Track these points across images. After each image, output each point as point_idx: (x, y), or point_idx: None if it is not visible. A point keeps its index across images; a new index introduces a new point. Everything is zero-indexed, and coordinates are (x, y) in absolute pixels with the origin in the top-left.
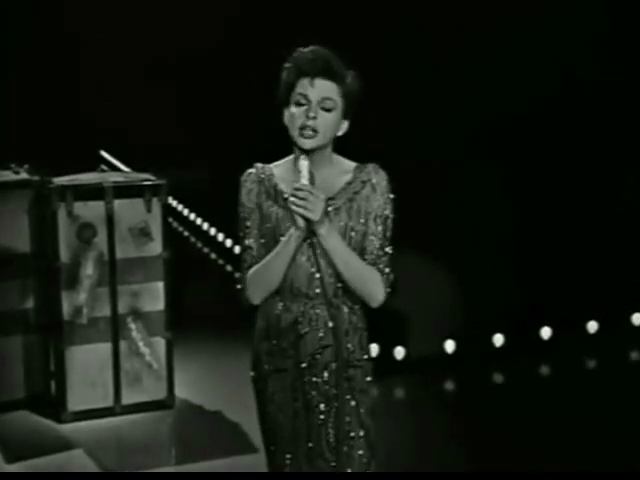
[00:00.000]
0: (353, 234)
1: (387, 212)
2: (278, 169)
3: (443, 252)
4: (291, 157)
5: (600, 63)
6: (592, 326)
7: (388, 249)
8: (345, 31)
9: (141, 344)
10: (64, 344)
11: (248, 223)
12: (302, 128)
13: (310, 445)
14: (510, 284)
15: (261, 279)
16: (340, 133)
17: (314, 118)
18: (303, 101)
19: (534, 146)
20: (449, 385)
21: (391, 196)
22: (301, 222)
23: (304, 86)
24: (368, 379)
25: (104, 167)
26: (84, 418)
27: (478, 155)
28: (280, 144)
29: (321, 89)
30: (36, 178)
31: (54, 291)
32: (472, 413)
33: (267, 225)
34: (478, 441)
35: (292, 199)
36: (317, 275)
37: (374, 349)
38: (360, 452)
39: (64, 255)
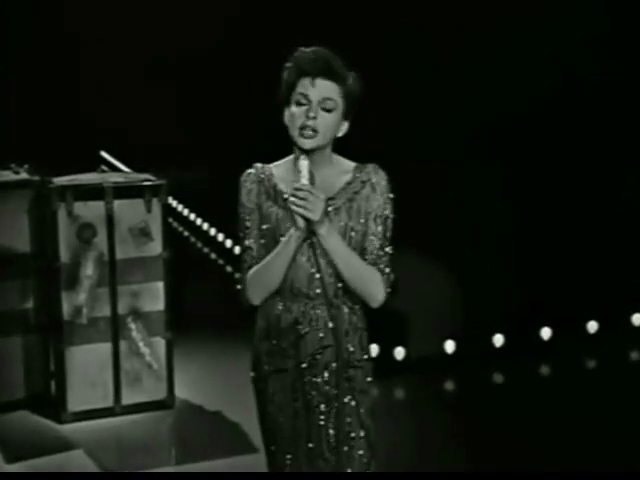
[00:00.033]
0: (353, 234)
1: (387, 212)
2: (278, 169)
3: (443, 252)
4: (291, 157)
5: (600, 63)
6: (592, 326)
7: (388, 249)
8: (345, 31)
9: (141, 344)
10: (64, 344)
11: (248, 223)
12: (302, 128)
13: (310, 445)
14: (510, 284)
15: (261, 279)
16: (340, 134)
17: (314, 118)
18: (304, 101)
19: (534, 146)
20: (449, 385)
21: (391, 196)
22: (301, 222)
23: (305, 86)
24: (368, 379)
25: (104, 167)
26: (84, 418)
27: (478, 155)
28: (280, 144)
29: (322, 89)
30: (36, 178)
31: (54, 291)
32: (472, 413)
33: (267, 225)
34: (478, 441)
35: (292, 199)
36: (317, 275)
37: (374, 349)
38: (360, 452)
39: (64, 255)
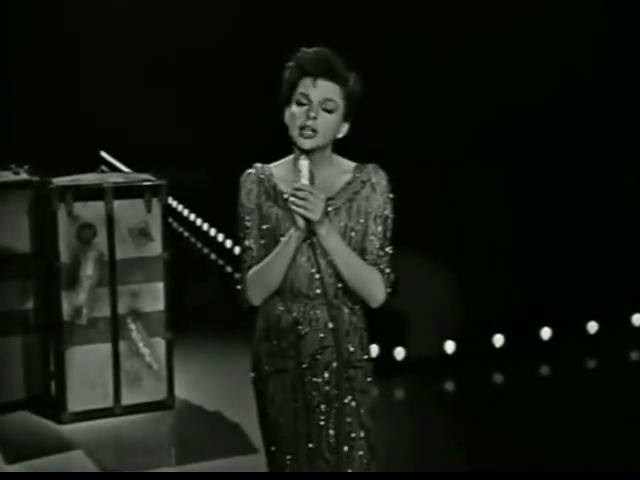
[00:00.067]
0: (353, 234)
1: (387, 212)
2: (278, 169)
3: (443, 252)
4: (291, 157)
5: (600, 63)
6: (592, 326)
7: (388, 249)
8: (345, 31)
9: (141, 344)
10: (64, 345)
11: (248, 224)
12: (302, 128)
13: (310, 446)
14: (510, 284)
15: (261, 280)
16: (340, 135)
17: (314, 118)
18: (304, 101)
19: (534, 146)
20: (449, 385)
21: (391, 196)
22: (301, 222)
23: (306, 86)
24: (368, 380)
25: (104, 167)
26: (84, 419)
27: (478, 155)
28: (280, 144)
29: (323, 90)
30: (36, 178)
31: (54, 291)
32: (472, 413)
33: (267, 225)
34: (478, 441)
35: (292, 199)
36: (317, 276)
37: (374, 350)
38: (360, 453)
39: (64, 255)
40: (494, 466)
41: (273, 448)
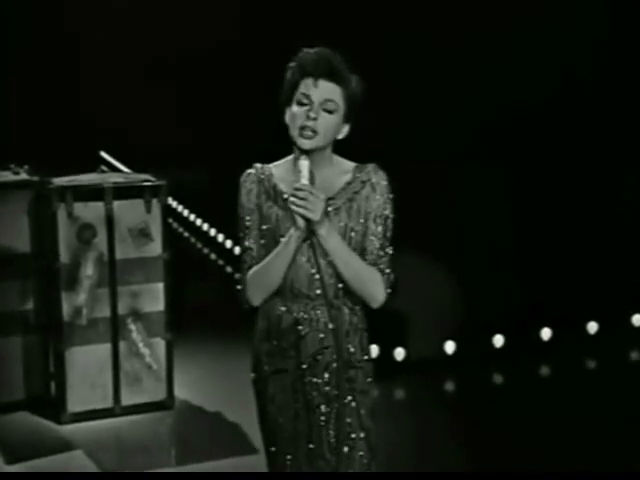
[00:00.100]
0: (353, 234)
1: (387, 212)
2: (277, 169)
3: (443, 252)
4: (290, 157)
5: (600, 63)
6: (592, 327)
7: (388, 249)
8: (345, 31)
9: (141, 345)
10: (64, 345)
11: (248, 224)
12: (302, 128)
13: (311, 446)
14: (510, 284)
15: (261, 280)
16: (340, 136)
17: (315, 119)
18: (305, 101)
19: (534, 146)
20: (449, 386)
21: (391, 196)
22: (301, 222)
23: (307, 86)
24: (369, 380)
25: (104, 168)
26: (84, 419)
27: (478, 155)
28: (280, 144)
29: (324, 90)
30: (36, 179)
31: (54, 292)
32: (472, 414)
33: (267, 226)
34: (478, 441)
35: (292, 199)
36: (317, 276)
37: (374, 350)
38: (360, 453)
39: (64, 256)
40: (494, 466)
41: (273, 448)
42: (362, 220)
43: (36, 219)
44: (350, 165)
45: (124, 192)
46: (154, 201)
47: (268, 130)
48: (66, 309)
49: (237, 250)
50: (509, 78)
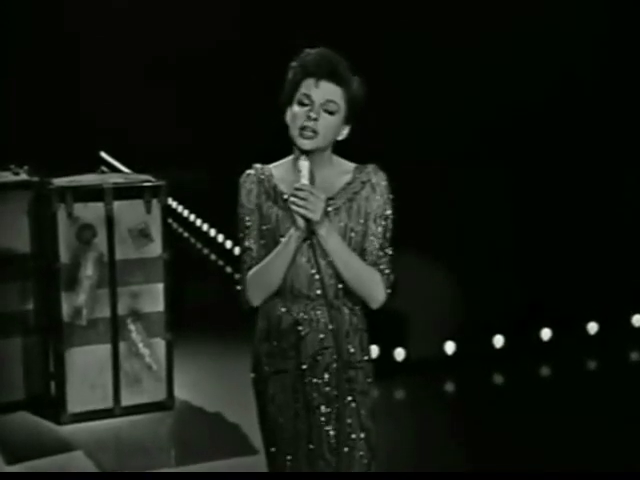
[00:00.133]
0: (353, 235)
1: (387, 213)
2: (277, 170)
3: (443, 252)
4: (290, 158)
5: (600, 63)
6: (592, 327)
7: (388, 250)
8: (345, 31)
9: (141, 345)
10: (64, 345)
11: (248, 224)
12: (302, 128)
13: (311, 446)
14: (510, 285)
15: (261, 280)
16: (341, 138)
17: (315, 120)
18: (306, 101)
19: (534, 146)
20: (449, 386)
21: (390, 197)
22: (301, 222)
23: (309, 86)
24: (369, 380)
25: (104, 168)
26: (84, 420)
27: (478, 155)
28: (280, 144)
29: (325, 91)
30: (36, 179)
31: (54, 292)
32: (472, 414)
33: (267, 226)
34: (478, 441)
35: (293, 199)
36: (317, 276)
37: (374, 350)
38: (361, 453)
39: (64, 256)
40: (494, 466)
41: (273, 449)
42: (362, 220)
43: (36, 219)
44: (350, 166)
45: (124, 192)
46: (154, 201)
47: (268, 130)
48: (66, 309)
49: (237, 250)
50: (509, 78)
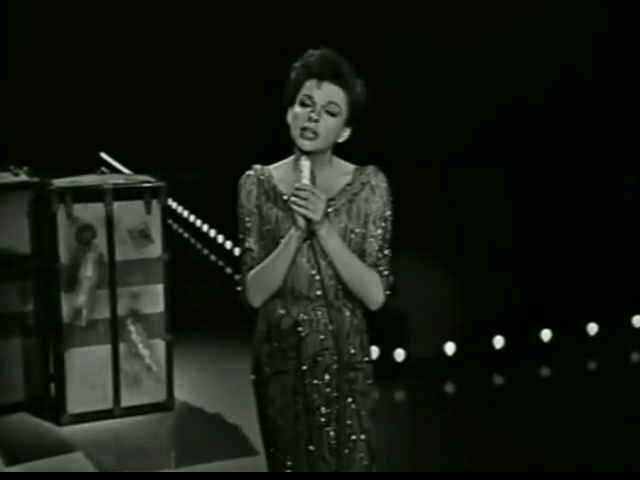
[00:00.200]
0: (353, 236)
1: (386, 214)
2: (277, 170)
3: (443, 252)
4: (290, 158)
5: (600, 63)
6: (592, 328)
7: (387, 251)
8: (345, 31)
9: (141, 346)
10: (63, 346)
11: (248, 225)
12: (303, 129)
13: (311, 448)
14: (510, 285)
15: (261, 281)
16: (341, 140)
17: (316, 121)
18: (308, 102)
19: (534, 146)
20: (449, 387)
21: (390, 198)
22: (302, 222)
23: (311, 88)
24: (369, 381)
25: (104, 169)
26: (83, 420)
27: (478, 155)
28: (280, 144)
29: (327, 93)
30: (35, 180)
31: (53, 293)
32: (472, 415)
33: (267, 227)
34: (478, 442)
35: (293, 199)
36: (317, 277)
37: (374, 351)
38: (361, 455)
39: (64, 257)
40: (494, 466)
41: (273, 450)
42: (362, 222)
43: (36, 220)
44: (350, 167)
45: (124, 193)
46: (154, 202)
47: (268, 130)
48: (66, 310)
49: (237, 251)
50: (509, 78)
